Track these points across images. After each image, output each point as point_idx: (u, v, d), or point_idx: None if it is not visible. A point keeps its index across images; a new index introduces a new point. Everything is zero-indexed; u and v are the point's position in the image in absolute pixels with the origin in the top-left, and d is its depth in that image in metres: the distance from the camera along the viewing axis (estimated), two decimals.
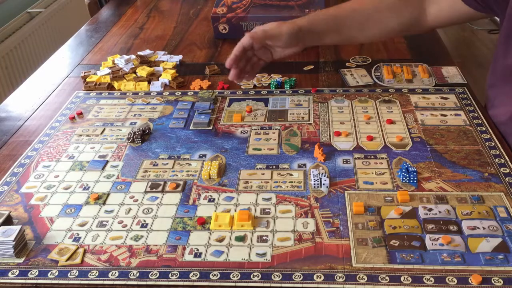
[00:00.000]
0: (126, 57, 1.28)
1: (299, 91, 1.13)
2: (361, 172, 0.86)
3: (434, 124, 0.98)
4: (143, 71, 1.22)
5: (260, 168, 0.89)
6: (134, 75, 1.22)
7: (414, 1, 1.04)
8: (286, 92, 1.13)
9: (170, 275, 0.69)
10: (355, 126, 0.99)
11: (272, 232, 0.75)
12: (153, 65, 1.27)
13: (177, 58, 1.32)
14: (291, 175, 0.87)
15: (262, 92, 1.14)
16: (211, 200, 0.82)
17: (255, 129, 1.00)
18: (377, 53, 1.28)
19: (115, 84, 1.20)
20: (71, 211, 0.81)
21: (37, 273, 0.70)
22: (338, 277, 0.67)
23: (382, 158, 0.90)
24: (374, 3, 1.05)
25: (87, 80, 1.21)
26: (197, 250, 0.73)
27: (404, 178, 0.83)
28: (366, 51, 1.29)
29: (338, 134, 0.97)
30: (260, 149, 0.94)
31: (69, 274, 0.70)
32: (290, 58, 1.29)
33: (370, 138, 0.95)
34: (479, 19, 1.09)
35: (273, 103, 1.09)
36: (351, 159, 0.90)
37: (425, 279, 0.66)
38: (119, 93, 1.17)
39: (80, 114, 1.08)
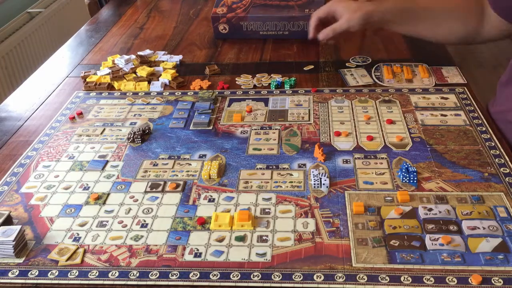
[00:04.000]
0: (126, 57, 1.28)
1: (299, 91, 1.13)
2: (361, 172, 0.86)
3: (434, 124, 0.98)
4: (143, 71, 1.22)
5: (260, 168, 0.89)
6: (134, 75, 1.22)
7: (476, 14, 1.09)
8: (286, 92, 1.13)
9: (170, 275, 0.69)
10: (355, 126, 0.99)
11: (272, 232, 0.75)
12: (153, 65, 1.27)
13: (177, 58, 1.32)
14: (291, 175, 0.87)
15: (262, 92, 1.14)
16: (211, 200, 0.82)
17: (255, 129, 1.00)
18: (377, 53, 1.28)
19: (115, 84, 1.20)
20: (71, 211, 0.81)
21: (37, 273, 0.70)
22: (338, 277, 0.67)
23: (382, 158, 0.90)
24: (448, 6, 1.12)
25: (87, 80, 1.21)
26: (197, 250, 0.73)
27: (404, 178, 0.83)
28: (366, 51, 1.29)
29: (338, 134, 0.97)
30: (260, 149, 0.94)
31: (69, 274, 0.70)
32: (290, 58, 1.30)
33: (370, 138, 0.95)
34: None
35: (273, 103, 1.09)
36: (351, 159, 0.90)
37: (425, 279, 0.66)
38: (119, 93, 1.17)
39: (80, 114, 1.08)
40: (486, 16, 1.09)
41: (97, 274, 0.70)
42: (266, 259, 0.70)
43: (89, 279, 0.69)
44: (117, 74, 1.21)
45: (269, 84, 1.16)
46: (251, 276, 0.68)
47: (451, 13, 1.11)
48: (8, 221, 0.78)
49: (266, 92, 1.14)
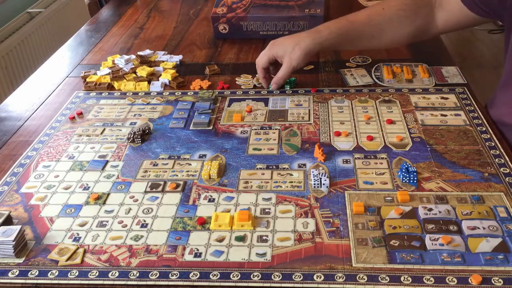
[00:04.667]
0: (126, 57, 1.28)
1: (299, 91, 1.13)
2: (361, 172, 0.86)
3: (434, 124, 0.98)
4: (143, 71, 1.22)
5: (260, 168, 0.89)
6: (134, 75, 1.22)
7: (425, 10, 1.09)
8: (286, 92, 1.13)
9: (170, 275, 0.69)
10: (355, 126, 0.99)
11: (272, 232, 0.75)
12: (153, 65, 1.27)
13: (177, 58, 1.32)
14: (291, 175, 0.87)
15: (262, 92, 1.14)
16: (211, 200, 0.82)
17: (255, 129, 1.00)
18: (377, 53, 1.28)
19: (115, 84, 1.20)
20: (71, 211, 0.81)
21: (37, 273, 0.70)
22: (338, 277, 0.67)
23: (382, 158, 0.90)
24: (387, 14, 1.10)
25: (87, 80, 1.21)
26: (197, 250, 0.73)
27: (404, 178, 0.83)
28: (366, 51, 1.29)
29: (338, 134, 0.97)
30: (260, 149, 0.94)
31: (69, 274, 0.70)
32: None
33: (370, 138, 0.95)
34: (484, 23, 1.14)
35: (273, 103, 1.09)
36: (351, 159, 0.90)
37: (425, 279, 0.66)
38: (119, 93, 1.17)
39: (80, 114, 1.08)
40: (439, 9, 1.08)
41: (97, 274, 0.70)
42: (266, 259, 0.70)
43: (89, 279, 0.69)
44: (117, 74, 1.21)
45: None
46: (251, 276, 0.68)
47: (393, 19, 1.09)
48: (8, 221, 0.78)
49: (266, 92, 1.14)
